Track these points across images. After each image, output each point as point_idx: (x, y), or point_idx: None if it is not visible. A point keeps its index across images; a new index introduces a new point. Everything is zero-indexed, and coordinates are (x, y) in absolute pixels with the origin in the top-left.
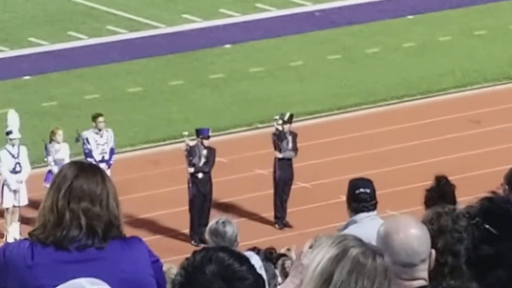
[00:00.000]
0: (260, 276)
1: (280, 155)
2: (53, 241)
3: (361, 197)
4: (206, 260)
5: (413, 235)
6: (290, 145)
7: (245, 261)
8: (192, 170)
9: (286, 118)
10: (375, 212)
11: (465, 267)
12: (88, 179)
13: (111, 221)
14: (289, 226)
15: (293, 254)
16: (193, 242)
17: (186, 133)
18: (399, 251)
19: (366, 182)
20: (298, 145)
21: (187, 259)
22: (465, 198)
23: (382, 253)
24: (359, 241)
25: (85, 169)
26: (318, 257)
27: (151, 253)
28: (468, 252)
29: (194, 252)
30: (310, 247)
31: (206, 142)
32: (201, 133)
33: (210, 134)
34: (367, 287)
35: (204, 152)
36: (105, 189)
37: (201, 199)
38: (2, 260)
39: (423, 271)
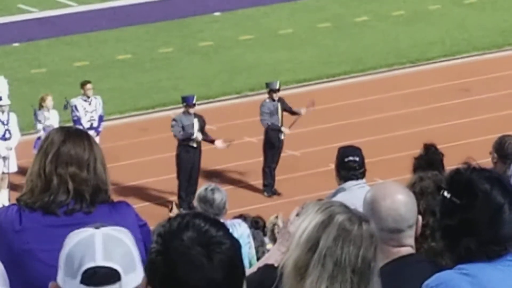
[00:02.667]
0: (236, 240)
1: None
2: (40, 206)
3: (350, 165)
4: (182, 226)
5: (400, 201)
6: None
7: (221, 226)
8: (186, 137)
9: (277, 86)
10: (364, 180)
11: (439, 238)
12: (75, 144)
13: (98, 185)
14: (278, 194)
15: (280, 222)
16: (181, 209)
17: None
18: (386, 217)
19: (355, 150)
20: (285, 113)
21: (162, 226)
22: (453, 167)
23: (368, 219)
24: (345, 208)
25: (72, 134)
26: (304, 224)
27: (138, 217)
28: (438, 224)
29: (169, 219)
30: (297, 214)
31: (191, 110)
32: (186, 101)
33: (199, 102)
34: (353, 253)
35: (195, 120)
36: (92, 154)
37: (189, 167)
38: None
39: (410, 238)
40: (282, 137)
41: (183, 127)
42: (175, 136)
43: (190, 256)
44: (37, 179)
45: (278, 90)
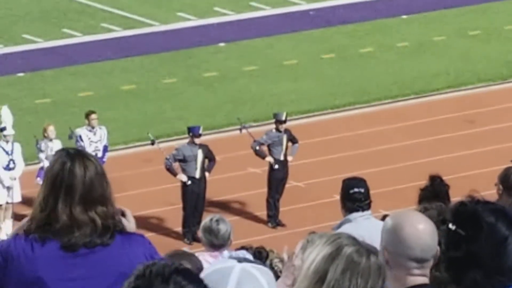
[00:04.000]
0: None
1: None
2: (60, 240)
3: (355, 197)
4: (163, 280)
5: (426, 230)
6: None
7: (202, 285)
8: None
9: (283, 118)
10: (369, 212)
11: (444, 270)
12: (97, 179)
13: (109, 215)
14: (282, 225)
15: (284, 255)
16: (186, 240)
17: (150, 135)
18: (414, 246)
19: (360, 182)
20: (290, 144)
21: (142, 272)
22: (459, 198)
23: (376, 251)
24: (353, 240)
25: (80, 160)
26: (312, 255)
27: (154, 250)
28: (443, 255)
29: (149, 266)
30: (302, 247)
31: (197, 141)
32: (192, 131)
33: (204, 132)
34: (361, 286)
35: (199, 151)
36: (106, 181)
37: (194, 197)
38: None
39: (429, 267)
40: (276, 166)
41: (184, 158)
42: (166, 168)
43: None
44: (40, 210)
45: (285, 121)
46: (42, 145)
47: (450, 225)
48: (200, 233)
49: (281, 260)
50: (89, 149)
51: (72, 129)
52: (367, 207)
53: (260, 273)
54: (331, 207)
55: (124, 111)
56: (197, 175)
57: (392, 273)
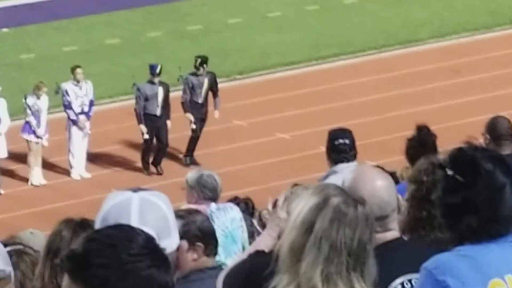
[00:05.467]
0: None
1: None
2: None
3: (340, 148)
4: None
5: (381, 186)
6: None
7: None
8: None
9: (157, 70)
10: (355, 163)
11: (439, 217)
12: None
13: None
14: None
15: (269, 206)
16: (145, 171)
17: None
18: (371, 205)
19: (345, 133)
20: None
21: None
22: (445, 148)
23: (363, 201)
24: (341, 190)
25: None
26: (299, 206)
27: None
28: (439, 201)
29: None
30: (285, 199)
31: (156, 80)
32: (150, 69)
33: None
34: (348, 236)
35: (160, 89)
36: None
37: (154, 132)
38: None
39: (394, 221)
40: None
41: (146, 97)
42: (136, 112)
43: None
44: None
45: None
46: (29, 100)
47: (448, 171)
48: (190, 185)
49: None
50: (75, 104)
51: (59, 84)
52: (353, 158)
53: (158, 198)
54: (317, 159)
55: (109, 65)
56: (158, 112)
57: None
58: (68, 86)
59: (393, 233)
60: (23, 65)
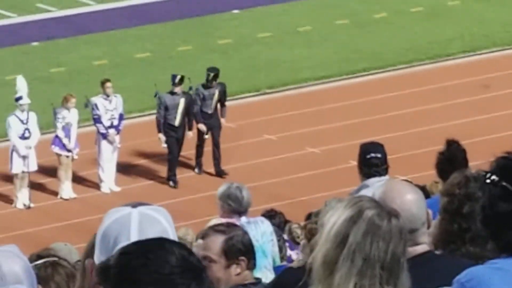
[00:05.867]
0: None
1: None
2: None
3: (372, 162)
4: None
5: (411, 200)
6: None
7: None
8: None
9: (176, 80)
10: (386, 177)
11: (481, 226)
12: None
13: None
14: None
15: (299, 231)
16: (170, 183)
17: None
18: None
19: (377, 147)
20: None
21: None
22: (475, 163)
23: (397, 214)
24: (374, 203)
25: None
26: (333, 219)
27: None
28: (484, 211)
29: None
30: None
31: (177, 89)
32: (171, 80)
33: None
34: (382, 249)
35: (182, 100)
36: None
37: (175, 144)
38: None
39: (424, 235)
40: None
41: (166, 107)
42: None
43: None
44: None
45: (180, 83)
46: (58, 114)
47: (496, 179)
48: (219, 200)
49: (300, 226)
50: (105, 117)
51: (88, 98)
52: (384, 172)
53: (157, 213)
54: (347, 173)
55: (138, 79)
56: (177, 123)
57: None
58: (97, 100)
59: (423, 247)
60: (53, 79)
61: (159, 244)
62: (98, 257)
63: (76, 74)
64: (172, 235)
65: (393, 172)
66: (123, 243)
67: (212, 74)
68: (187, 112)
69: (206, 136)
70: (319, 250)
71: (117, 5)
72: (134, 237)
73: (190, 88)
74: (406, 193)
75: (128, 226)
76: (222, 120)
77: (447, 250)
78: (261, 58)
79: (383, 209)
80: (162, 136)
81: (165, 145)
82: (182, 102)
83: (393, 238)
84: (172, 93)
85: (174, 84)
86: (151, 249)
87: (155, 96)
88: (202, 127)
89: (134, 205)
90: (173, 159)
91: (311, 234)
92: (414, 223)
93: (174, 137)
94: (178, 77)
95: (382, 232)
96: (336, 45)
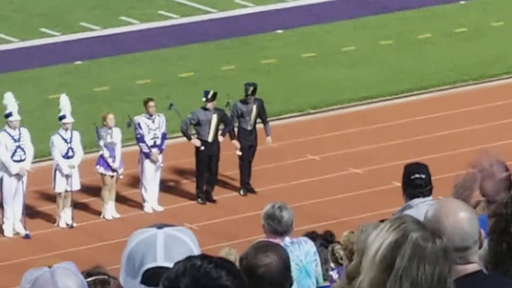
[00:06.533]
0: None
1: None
2: None
3: (416, 183)
4: (180, 272)
5: (464, 218)
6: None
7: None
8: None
9: (209, 96)
10: (430, 197)
11: None
12: None
13: None
14: (253, 192)
15: (341, 252)
16: (199, 200)
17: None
18: (452, 236)
19: (421, 167)
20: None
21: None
22: None
23: (441, 235)
24: (418, 224)
25: None
26: (377, 243)
27: None
28: None
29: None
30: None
31: (209, 105)
32: (204, 95)
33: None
34: (429, 272)
35: (214, 116)
36: None
37: (206, 160)
38: None
39: (475, 254)
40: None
41: (198, 122)
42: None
43: None
44: None
45: (212, 99)
46: (102, 133)
47: None
48: (262, 220)
49: (342, 247)
50: (148, 137)
51: (131, 117)
52: (428, 193)
53: (182, 233)
54: (390, 194)
55: (181, 99)
56: (210, 138)
57: None
58: (140, 119)
59: (474, 266)
60: (97, 98)
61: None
62: (123, 278)
63: (119, 93)
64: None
65: (437, 193)
66: (149, 264)
67: (251, 88)
68: (225, 125)
69: (239, 153)
70: (365, 275)
71: (161, 24)
72: (160, 258)
73: (227, 104)
74: (459, 211)
75: (154, 247)
76: (268, 138)
77: (498, 271)
78: (304, 78)
79: (427, 229)
80: (196, 141)
81: (203, 148)
82: (214, 118)
83: (439, 260)
84: (204, 108)
85: (206, 100)
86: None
87: (169, 109)
88: (236, 144)
89: (159, 226)
90: (200, 176)
91: (351, 254)
92: (466, 241)
93: (206, 154)
94: (211, 93)
95: (428, 255)
96: (380, 66)
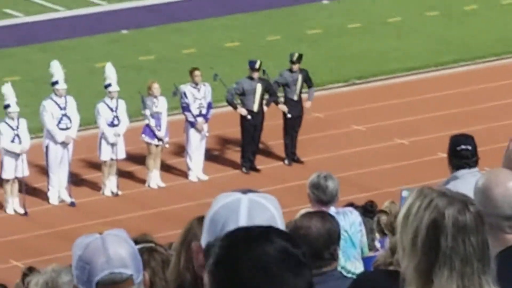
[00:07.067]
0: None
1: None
2: None
3: (462, 154)
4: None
5: None
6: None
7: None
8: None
9: (257, 66)
10: (476, 168)
11: None
12: None
13: None
14: (300, 162)
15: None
16: (243, 169)
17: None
18: (502, 204)
19: (467, 139)
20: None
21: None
22: None
23: (471, 200)
24: (444, 195)
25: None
26: (413, 226)
27: None
28: None
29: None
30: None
31: (255, 75)
32: (249, 65)
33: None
34: (475, 244)
35: (258, 85)
36: None
37: (251, 130)
38: None
39: None
40: (287, 112)
41: (243, 91)
42: (227, 101)
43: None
44: None
45: (258, 69)
46: (147, 102)
47: None
48: (307, 189)
49: (387, 215)
50: (193, 106)
51: (177, 86)
52: (474, 164)
53: (266, 200)
54: (435, 165)
55: (227, 68)
56: (255, 108)
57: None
58: (186, 88)
59: None
60: (142, 67)
61: (264, 232)
62: (205, 240)
63: (165, 62)
64: (280, 223)
65: (483, 164)
66: (231, 227)
67: (297, 54)
68: (270, 95)
69: (289, 116)
70: (408, 261)
71: None
72: (242, 223)
73: (264, 72)
74: (510, 180)
75: (237, 212)
76: (308, 103)
77: None
78: (350, 48)
79: (457, 200)
80: (242, 110)
81: (249, 117)
82: (259, 87)
83: (478, 227)
84: (250, 78)
85: (253, 70)
86: (255, 237)
87: (214, 80)
88: (284, 107)
89: (244, 191)
90: (245, 145)
91: (392, 227)
92: None
93: (252, 123)
94: (258, 62)
95: (469, 227)
96: (426, 37)
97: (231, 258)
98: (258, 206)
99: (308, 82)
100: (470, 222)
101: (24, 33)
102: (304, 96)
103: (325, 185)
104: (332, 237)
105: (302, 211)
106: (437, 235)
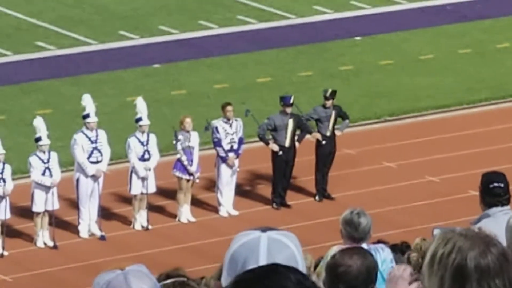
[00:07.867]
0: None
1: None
2: None
3: (495, 191)
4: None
5: None
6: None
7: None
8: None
9: (290, 101)
10: (508, 207)
11: None
12: None
13: None
14: (331, 198)
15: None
16: (274, 205)
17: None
18: None
19: (500, 176)
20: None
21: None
22: None
23: (494, 240)
24: (466, 237)
25: None
26: (439, 273)
27: None
28: None
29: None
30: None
31: (288, 110)
32: (283, 100)
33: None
34: (500, 284)
35: (290, 121)
36: None
37: (283, 165)
38: None
39: None
40: (324, 142)
41: (275, 127)
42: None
43: None
44: None
45: (291, 105)
46: (180, 136)
47: None
48: (340, 225)
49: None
50: (225, 141)
51: (209, 121)
52: (507, 202)
53: (286, 238)
54: (466, 203)
55: (259, 104)
56: (287, 144)
57: None
58: (218, 123)
59: None
60: (174, 101)
61: (273, 269)
62: (225, 280)
63: (196, 97)
64: (300, 260)
65: None
66: (251, 266)
67: (330, 90)
68: (301, 130)
69: (324, 142)
70: None
71: (239, 29)
72: (262, 262)
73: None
74: None
75: (257, 251)
76: (337, 132)
77: None
78: (382, 85)
79: (478, 242)
80: (274, 145)
81: (281, 153)
82: (291, 123)
83: (503, 267)
84: (282, 113)
85: (286, 105)
86: (267, 275)
87: (246, 115)
88: (317, 135)
89: (263, 230)
90: (277, 181)
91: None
92: None
93: (283, 159)
94: (292, 97)
95: (492, 269)
96: (458, 74)
97: None
98: (277, 244)
99: (343, 116)
100: (494, 264)
101: (56, 66)
102: (337, 130)
103: (358, 222)
104: (371, 275)
105: (335, 248)
106: (463, 282)
